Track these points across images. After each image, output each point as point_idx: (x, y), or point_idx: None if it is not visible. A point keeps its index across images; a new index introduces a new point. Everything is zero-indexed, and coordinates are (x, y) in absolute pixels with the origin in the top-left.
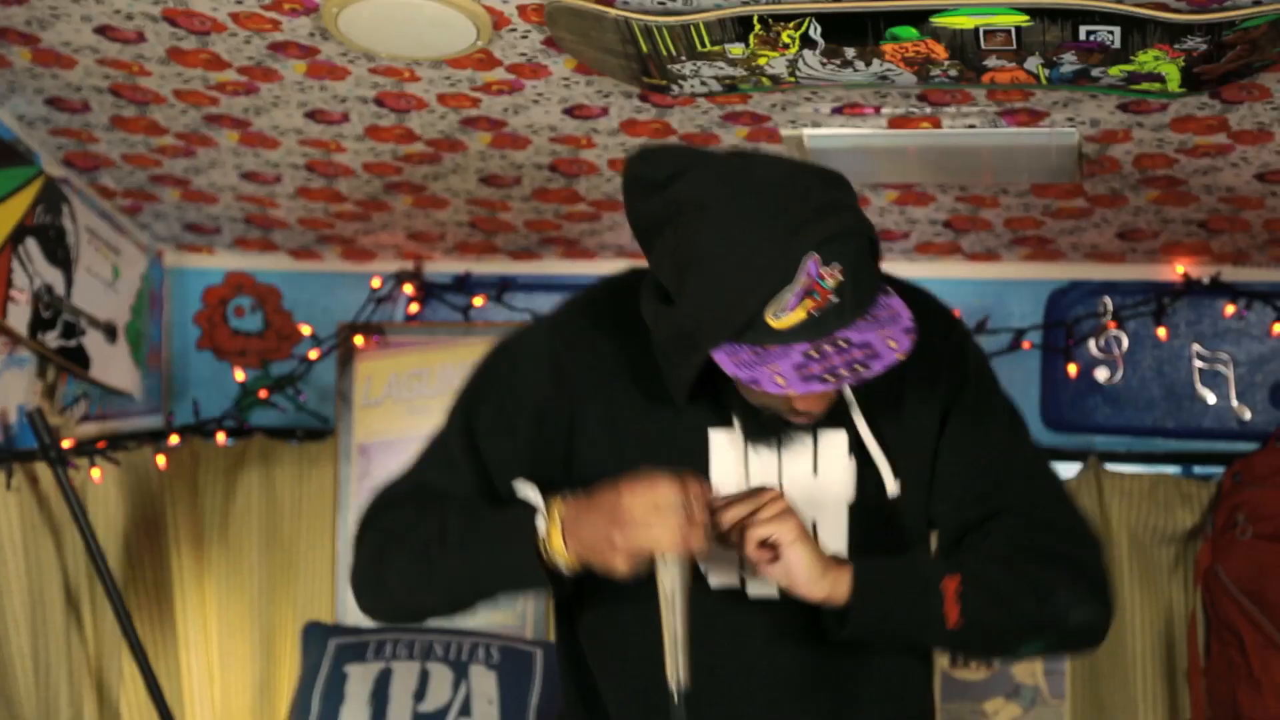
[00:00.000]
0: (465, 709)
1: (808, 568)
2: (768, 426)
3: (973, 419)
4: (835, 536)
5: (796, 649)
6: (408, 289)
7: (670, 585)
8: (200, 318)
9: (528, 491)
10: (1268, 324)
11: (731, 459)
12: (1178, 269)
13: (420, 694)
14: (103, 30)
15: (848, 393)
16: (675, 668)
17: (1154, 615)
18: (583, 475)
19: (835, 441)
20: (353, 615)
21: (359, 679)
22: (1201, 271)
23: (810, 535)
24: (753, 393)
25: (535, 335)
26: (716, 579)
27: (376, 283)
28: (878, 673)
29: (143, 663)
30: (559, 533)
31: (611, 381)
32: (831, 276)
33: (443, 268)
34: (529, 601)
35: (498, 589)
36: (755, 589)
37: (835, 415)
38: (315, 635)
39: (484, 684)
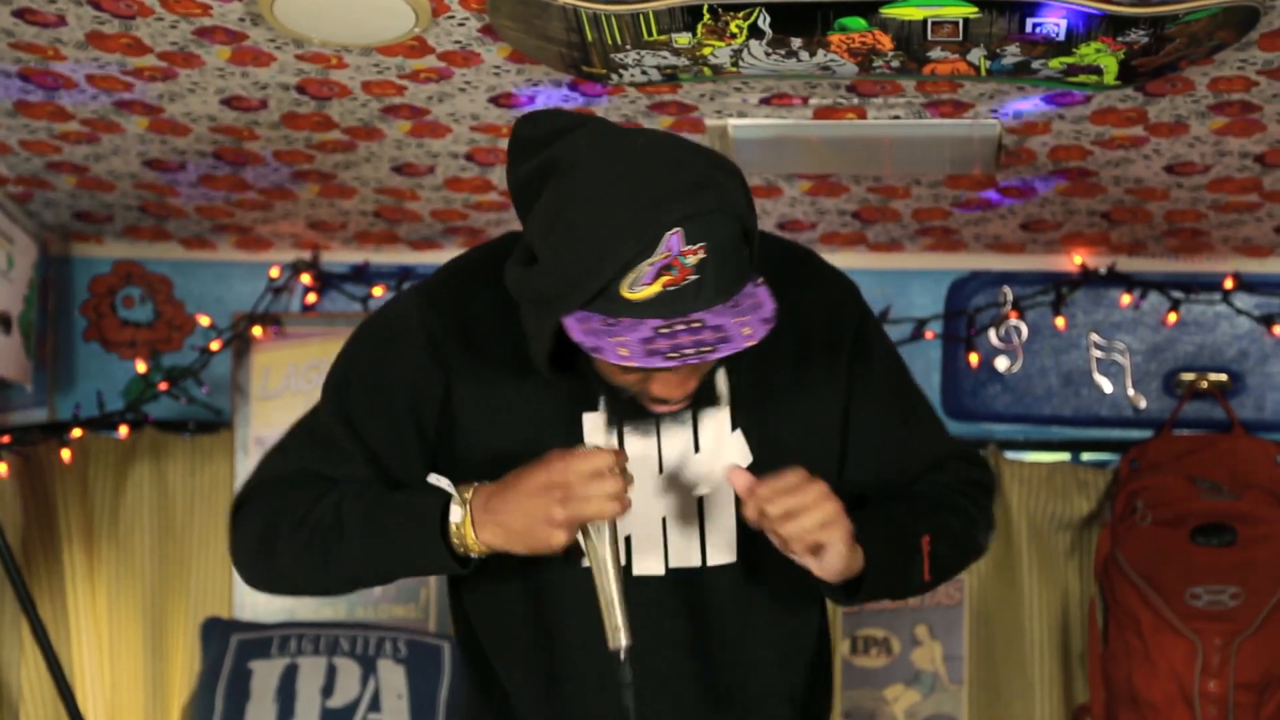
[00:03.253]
0: (375, 704)
1: (845, 566)
2: (611, 404)
3: (881, 391)
4: (722, 508)
5: (690, 618)
6: (305, 279)
7: (604, 552)
8: (87, 308)
9: (440, 480)
10: (1162, 313)
11: (606, 440)
12: (1075, 259)
13: (328, 690)
14: (21, 14)
15: (721, 380)
16: (617, 629)
17: (1051, 601)
18: (460, 451)
19: (717, 419)
20: (251, 611)
21: (264, 675)
22: (1098, 262)
23: (853, 535)
24: (612, 373)
25: (406, 308)
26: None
27: (275, 272)
28: (773, 642)
29: (44, 643)
30: (469, 521)
31: (486, 354)
32: (694, 254)
33: (340, 257)
34: (433, 595)
35: (400, 575)
36: (639, 568)
37: (714, 397)
38: (215, 631)
39: (393, 678)
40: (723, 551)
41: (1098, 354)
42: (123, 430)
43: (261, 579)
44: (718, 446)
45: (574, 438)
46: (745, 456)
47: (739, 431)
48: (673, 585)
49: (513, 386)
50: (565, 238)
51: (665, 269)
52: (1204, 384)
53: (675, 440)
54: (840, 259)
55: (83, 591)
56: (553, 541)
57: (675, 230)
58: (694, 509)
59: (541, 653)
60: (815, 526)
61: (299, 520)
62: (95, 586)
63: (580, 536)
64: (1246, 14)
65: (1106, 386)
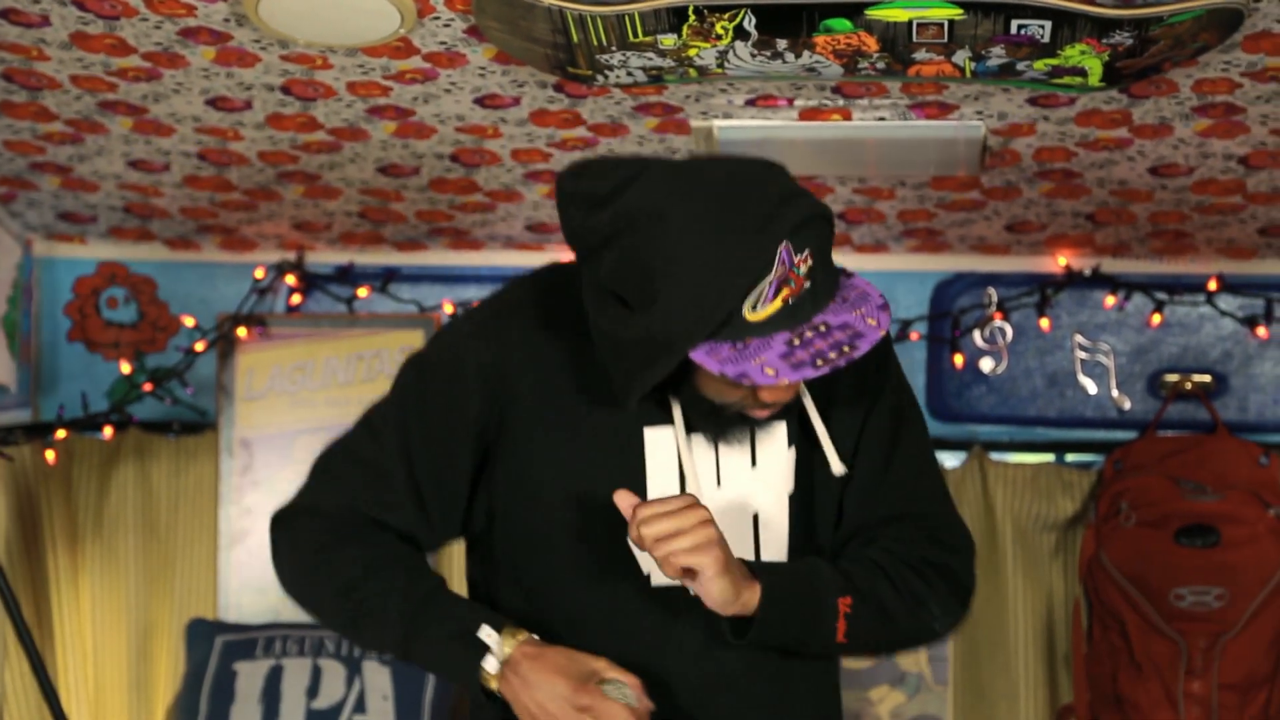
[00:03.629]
0: (360, 706)
1: (722, 594)
2: (704, 422)
3: (891, 421)
4: (776, 527)
5: (733, 647)
6: (289, 280)
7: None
8: (71, 308)
9: (487, 631)
10: (1147, 315)
11: (667, 455)
12: (1060, 260)
13: (313, 691)
14: (5, 14)
15: (805, 392)
16: None
17: (1036, 602)
18: (516, 474)
19: (774, 433)
20: (236, 612)
21: (249, 677)
22: (1083, 263)
23: (728, 563)
24: (722, 390)
25: (455, 341)
26: (658, 577)
27: (260, 273)
28: (805, 670)
29: (28, 645)
30: (500, 672)
31: (543, 381)
32: (804, 263)
33: (325, 258)
34: None
35: (418, 668)
36: (661, 578)
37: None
38: (200, 632)
39: (378, 680)
40: None
41: (1082, 355)
42: (107, 431)
43: (295, 600)
44: (775, 464)
45: (635, 455)
46: (791, 474)
47: (794, 448)
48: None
49: (570, 412)
50: (679, 279)
51: (784, 283)
52: (1188, 385)
53: (734, 455)
54: None
55: (66, 593)
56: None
57: (784, 244)
58: (749, 525)
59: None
60: (685, 550)
61: (344, 587)
62: (79, 588)
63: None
64: (1230, 16)
65: (1091, 388)
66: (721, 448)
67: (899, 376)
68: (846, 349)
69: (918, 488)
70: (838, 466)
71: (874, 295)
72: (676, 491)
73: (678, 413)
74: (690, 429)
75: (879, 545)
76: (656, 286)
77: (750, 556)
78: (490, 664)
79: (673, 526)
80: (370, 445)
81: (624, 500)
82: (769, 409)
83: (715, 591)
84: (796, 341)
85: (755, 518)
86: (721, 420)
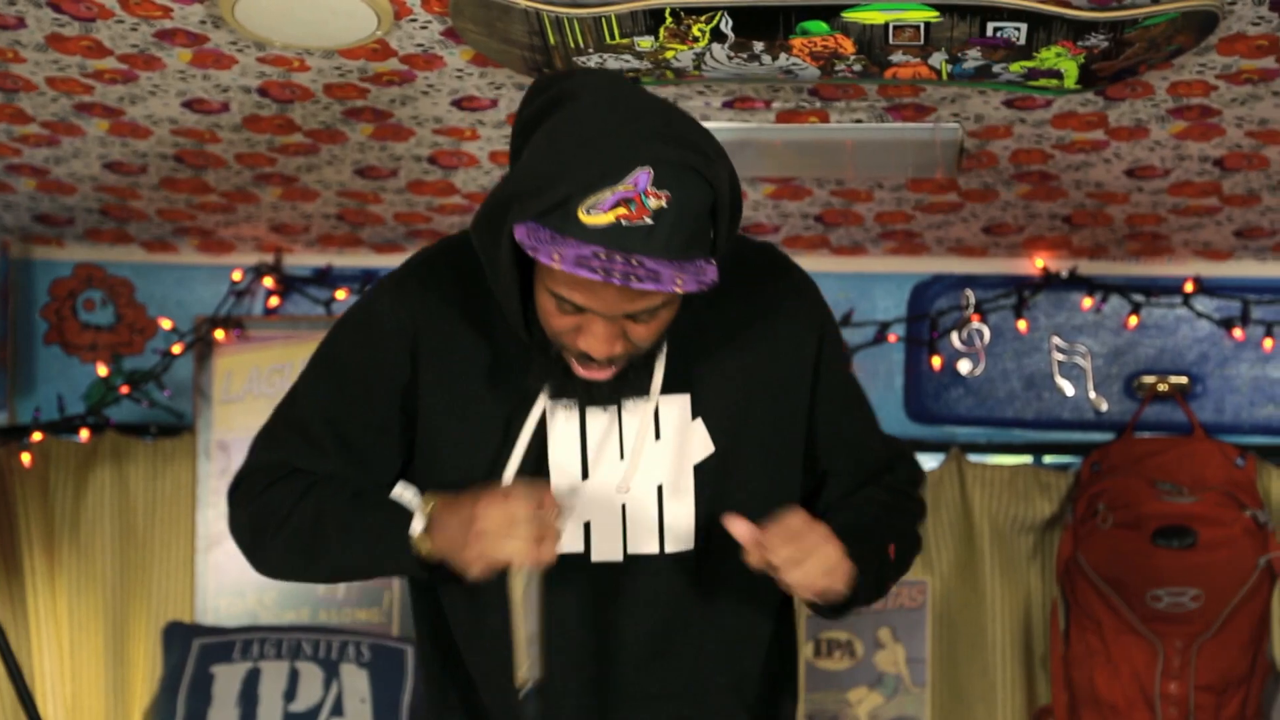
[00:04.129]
0: (337, 708)
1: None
2: (602, 395)
3: (840, 391)
4: (683, 496)
5: (651, 610)
6: (267, 282)
7: (520, 592)
8: (48, 311)
9: (405, 494)
10: (1123, 317)
11: (569, 429)
12: (1037, 263)
13: (291, 694)
14: None
15: (657, 370)
16: (526, 665)
17: (1014, 603)
18: (428, 443)
19: (678, 404)
20: (213, 615)
21: (226, 679)
22: (1060, 265)
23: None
24: (548, 314)
25: (377, 300)
26: (565, 544)
27: (237, 275)
28: (726, 631)
29: (3, 648)
30: (426, 532)
31: (451, 341)
32: (656, 199)
33: (303, 260)
34: (396, 598)
35: (378, 575)
36: (600, 554)
37: (677, 381)
38: (177, 635)
39: (355, 683)
40: (681, 539)
41: (1059, 357)
42: (83, 434)
43: (261, 568)
44: (678, 434)
45: (539, 428)
46: (706, 445)
47: (699, 420)
48: (631, 571)
49: (475, 373)
50: (542, 150)
51: (625, 201)
52: (1164, 387)
53: (636, 427)
54: (803, 262)
55: (43, 596)
56: (470, 573)
57: (646, 169)
58: (654, 497)
59: (501, 629)
60: (820, 574)
61: (281, 521)
62: (56, 591)
63: (513, 589)
64: (1205, 18)
65: (1068, 389)
66: (625, 422)
67: (840, 350)
68: (633, 279)
69: (872, 434)
70: (708, 447)
71: (709, 274)
72: (577, 466)
73: (547, 382)
74: (589, 401)
75: (872, 486)
76: (525, 153)
77: (654, 524)
78: (417, 525)
79: (799, 551)
80: (295, 407)
81: (741, 529)
82: (588, 365)
83: (835, 597)
84: (603, 255)
85: (660, 489)
86: (596, 392)
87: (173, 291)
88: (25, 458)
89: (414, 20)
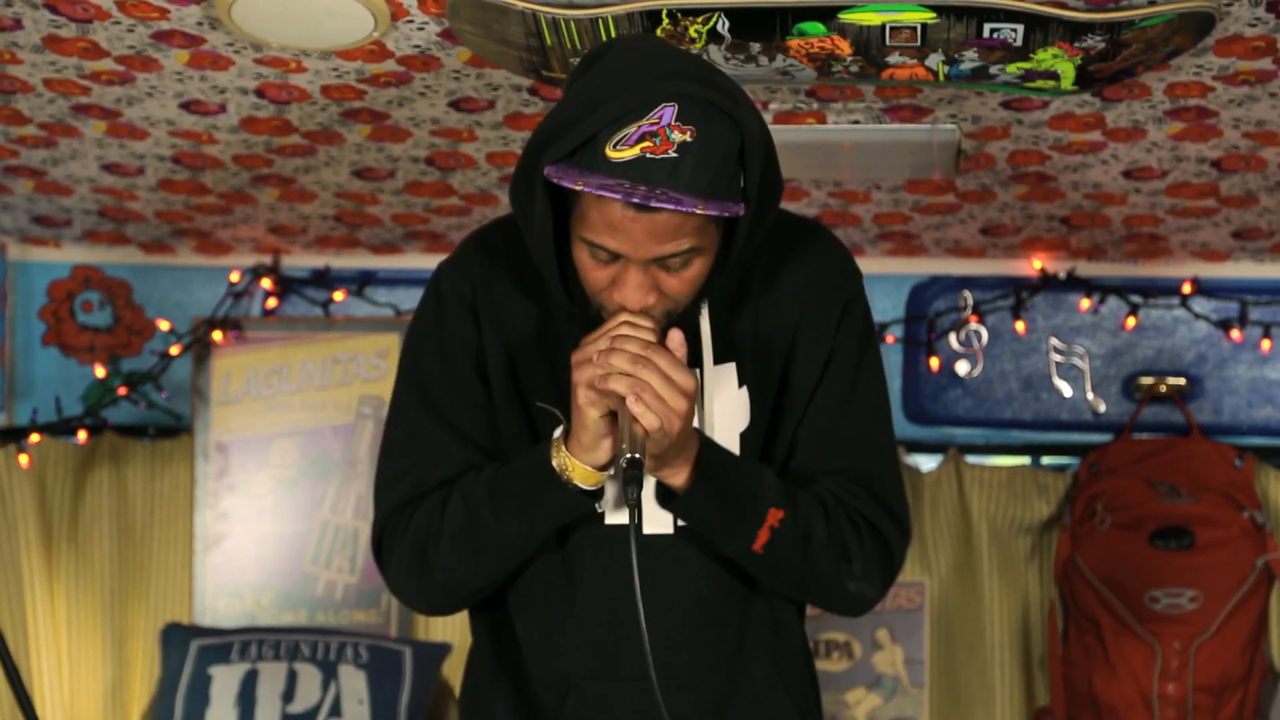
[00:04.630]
0: (335, 709)
1: (669, 450)
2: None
3: (849, 374)
4: None
5: (700, 584)
6: (265, 283)
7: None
8: (46, 312)
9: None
10: (1121, 318)
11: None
12: (1035, 264)
13: (289, 695)
14: None
15: (705, 330)
16: (631, 443)
17: (1012, 604)
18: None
19: (724, 374)
20: (211, 616)
21: (224, 681)
22: (1058, 266)
23: (671, 417)
24: (587, 268)
25: (437, 283)
26: (613, 518)
27: (235, 277)
28: (768, 608)
29: (1, 650)
30: (564, 448)
31: (507, 312)
32: (681, 133)
33: (301, 262)
34: (394, 600)
35: (552, 529)
36: (650, 526)
37: (723, 350)
38: (176, 636)
39: (354, 684)
40: None
41: (1057, 358)
42: (81, 435)
43: (435, 603)
44: (726, 405)
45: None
46: (747, 415)
47: (745, 389)
48: (680, 544)
49: (526, 339)
50: (572, 99)
51: (650, 135)
52: (1162, 388)
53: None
54: None
55: (41, 598)
56: (581, 415)
57: (671, 104)
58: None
59: (561, 602)
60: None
61: (437, 534)
62: (54, 592)
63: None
64: (1202, 20)
65: (1066, 390)
66: None
67: (867, 335)
68: (652, 198)
69: (869, 445)
70: (744, 419)
71: (732, 208)
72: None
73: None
74: None
75: (827, 486)
76: (546, 122)
77: None
78: (554, 456)
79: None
80: (399, 427)
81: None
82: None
83: (660, 448)
84: (628, 186)
85: None
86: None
87: (171, 293)
88: (22, 459)
89: (411, 21)
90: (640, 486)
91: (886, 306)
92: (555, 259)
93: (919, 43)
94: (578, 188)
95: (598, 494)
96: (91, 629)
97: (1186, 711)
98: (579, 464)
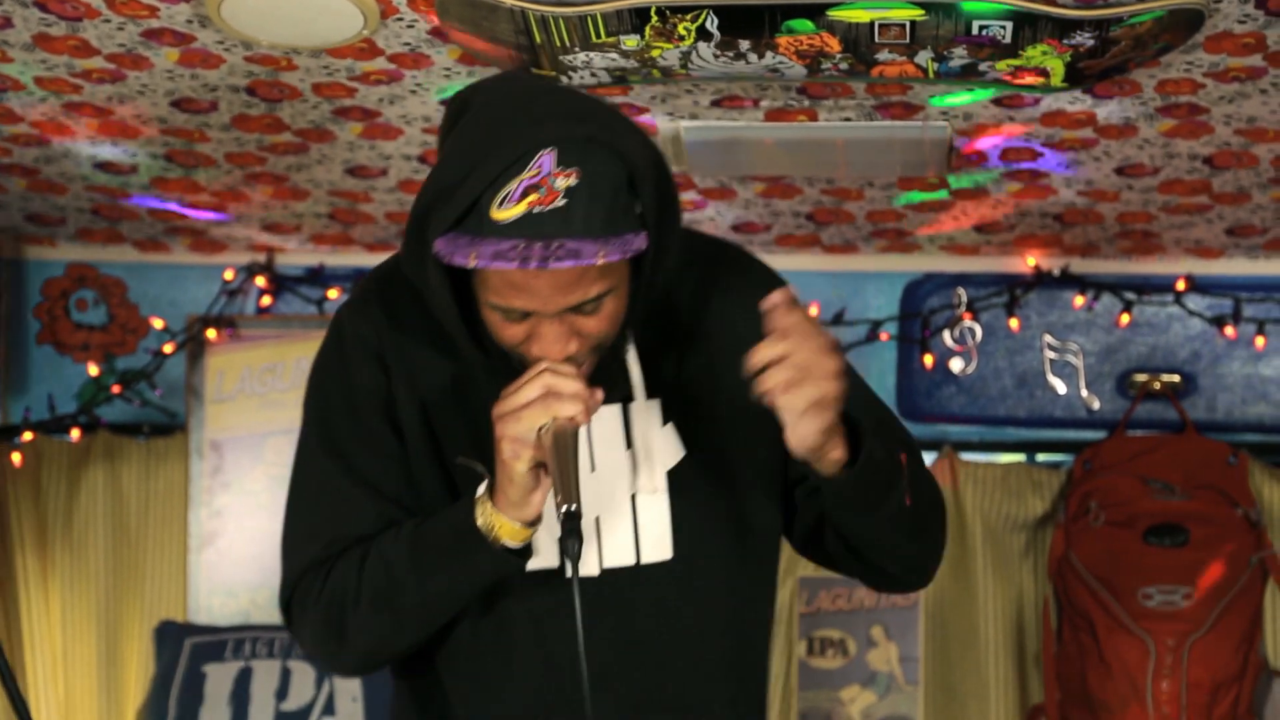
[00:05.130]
0: (329, 708)
1: (823, 433)
2: None
3: None
4: (656, 504)
5: (635, 622)
6: (259, 281)
7: (549, 444)
8: (40, 311)
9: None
10: (1115, 315)
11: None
12: (1029, 261)
13: (282, 693)
14: None
15: (633, 366)
16: (566, 494)
17: (1006, 602)
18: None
19: (648, 413)
20: (205, 614)
21: (218, 679)
22: (1052, 263)
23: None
24: (498, 327)
25: (339, 329)
26: (543, 562)
27: (229, 275)
28: (711, 632)
29: None
30: (489, 505)
31: (417, 364)
32: (564, 178)
33: (295, 259)
34: None
35: (474, 593)
36: (651, 553)
37: (648, 386)
38: (169, 634)
39: (347, 682)
40: (658, 548)
41: (1051, 355)
42: (74, 433)
43: (354, 667)
44: (650, 440)
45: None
46: (678, 451)
47: (671, 425)
48: (610, 585)
49: (441, 392)
50: (446, 156)
51: (533, 187)
52: (1157, 385)
53: (606, 436)
54: (795, 261)
55: (35, 596)
56: (506, 467)
57: (549, 150)
58: (628, 505)
59: (491, 652)
60: (818, 387)
61: (355, 597)
62: (48, 590)
63: (545, 449)
64: (1191, 16)
65: (1060, 387)
66: (593, 431)
67: None
68: (553, 259)
69: (892, 425)
70: (679, 452)
71: (634, 244)
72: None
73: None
74: None
75: None
76: (430, 173)
77: (630, 536)
78: (479, 515)
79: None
80: (306, 482)
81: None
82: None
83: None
84: (523, 247)
85: (633, 498)
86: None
87: (165, 291)
88: (15, 458)
89: (400, 19)
90: (581, 540)
91: (880, 304)
92: (461, 321)
93: (908, 40)
94: (471, 264)
95: (525, 552)
96: (86, 627)
97: (1180, 708)
98: (506, 521)
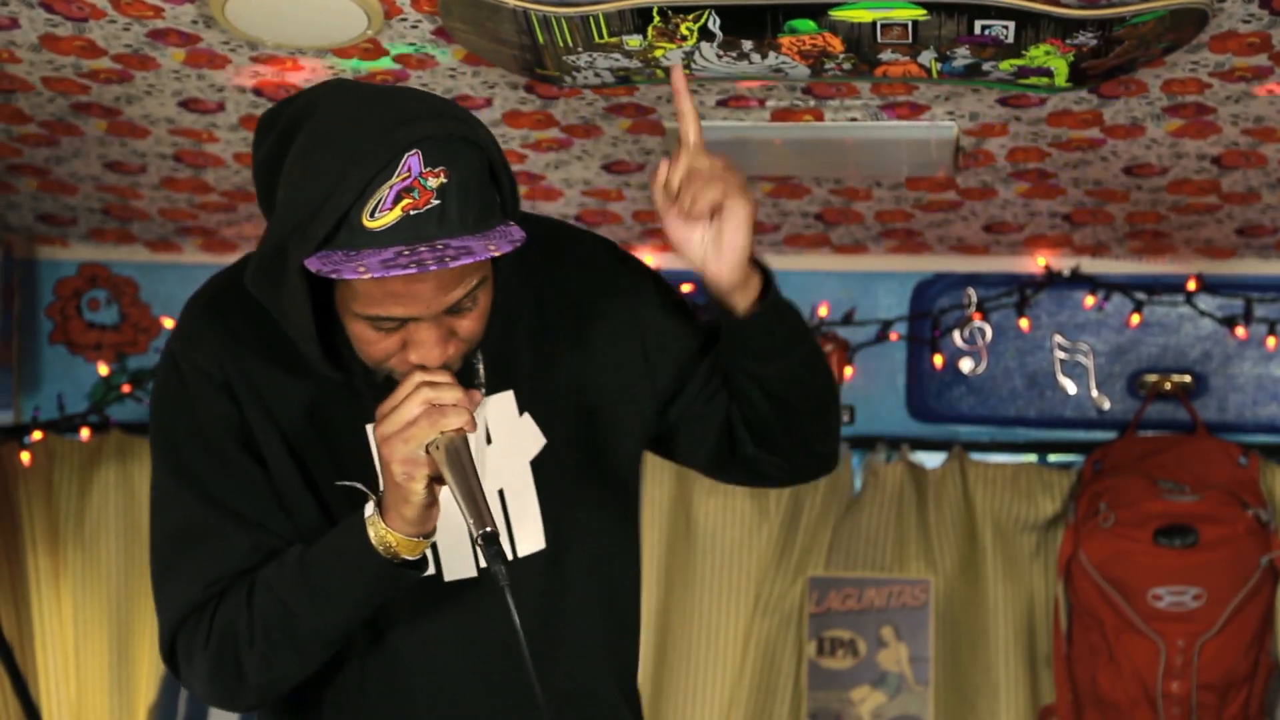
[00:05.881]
0: None
1: (745, 249)
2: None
3: (673, 318)
4: (524, 496)
5: (533, 616)
6: None
7: (444, 462)
8: (52, 310)
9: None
10: (1126, 315)
11: None
12: (1039, 261)
13: None
14: None
15: (480, 369)
16: (476, 518)
17: (1017, 602)
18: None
19: (503, 405)
20: None
21: None
22: (1062, 263)
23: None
24: (366, 343)
25: (179, 363)
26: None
27: None
28: (591, 620)
29: (5, 654)
30: (381, 523)
31: (266, 389)
32: (435, 177)
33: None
34: None
35: (360, 617)
36: (450, 573)
37: (497, 380)
38: None
39: None
40: (531, 540)
41: (1062, 355)
42: (84, 433)
43: (250, 704)
44: (509, 435)
45: (362, 450)
46: (538, 440)
47: (527, 415)
48: (488, 585)
49: (296, 413)
50: (298, 176)
51: (405, 191)
52: (1167, 385)
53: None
54: (804, 261)
55: (47, 594)
56: (398, 485)
57: (414, 151)
58: (497, 504)
59: (384, 690)
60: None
61: (248, 635)
62: (60, 589)
63: (441, 466)
64: (1195, 16)
65: (1071, 388)
66: None
67: (655, 278)
68: (448, 258)
69: None
70: (539, 441)
71: (515, 234)
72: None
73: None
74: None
75: None
76: (281, 190)
77: (502, 529)
78: (371, 532)
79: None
80: (169, 524)
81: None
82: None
83: (742, 243)
84: (408, 252)
85: (501, 493)
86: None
87: (177, 291)
88: (24, 456)
89: (404, 19)
90: (506, 560)
91: (890, 304)
92: (318, 344)
93: (910, 40)
94: (362, 275)
95: (421, 563)
96: (98, 625)
97: (1191, 709)
98: (403, 538)
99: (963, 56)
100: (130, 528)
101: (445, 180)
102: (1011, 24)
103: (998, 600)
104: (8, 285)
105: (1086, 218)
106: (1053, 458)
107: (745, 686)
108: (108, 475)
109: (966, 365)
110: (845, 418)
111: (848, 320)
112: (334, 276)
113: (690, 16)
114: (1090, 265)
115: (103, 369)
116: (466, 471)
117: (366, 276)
